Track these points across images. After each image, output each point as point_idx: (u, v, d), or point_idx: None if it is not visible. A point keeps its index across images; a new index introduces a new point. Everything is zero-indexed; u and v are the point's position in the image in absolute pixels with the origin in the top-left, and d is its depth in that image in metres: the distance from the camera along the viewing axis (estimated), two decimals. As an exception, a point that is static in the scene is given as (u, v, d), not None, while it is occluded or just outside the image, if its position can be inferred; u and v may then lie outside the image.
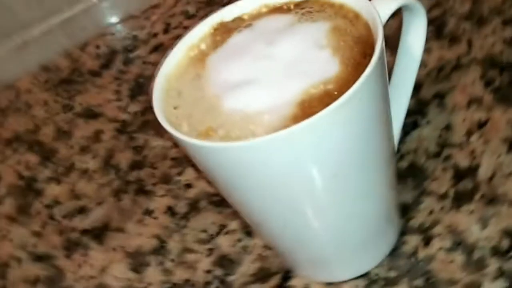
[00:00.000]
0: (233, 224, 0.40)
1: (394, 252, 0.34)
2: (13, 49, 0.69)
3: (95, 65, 0.65)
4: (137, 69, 0.61)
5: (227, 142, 0.26)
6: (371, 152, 0.29)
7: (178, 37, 0.33)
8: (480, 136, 0.38)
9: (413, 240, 0.34)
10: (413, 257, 0.34)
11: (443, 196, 0.36)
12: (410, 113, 0.41)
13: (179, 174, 0.46)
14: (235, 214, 0.39)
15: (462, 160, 0.37)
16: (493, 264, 0.31)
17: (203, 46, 0.32)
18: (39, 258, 0.44)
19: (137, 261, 0.41)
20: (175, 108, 0.29)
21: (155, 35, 0.65)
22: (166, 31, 0.65)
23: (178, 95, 0.30)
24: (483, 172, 0.36)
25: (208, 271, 0.38)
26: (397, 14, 0.32)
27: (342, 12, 0.30)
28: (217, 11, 0.35)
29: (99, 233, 0.44)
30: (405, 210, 0.36)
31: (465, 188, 0.36)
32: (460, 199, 0.35)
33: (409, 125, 0.41)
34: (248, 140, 0.25)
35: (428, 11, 0.50)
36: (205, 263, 0.38)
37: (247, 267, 0.37)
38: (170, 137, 0.28)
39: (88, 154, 0.53)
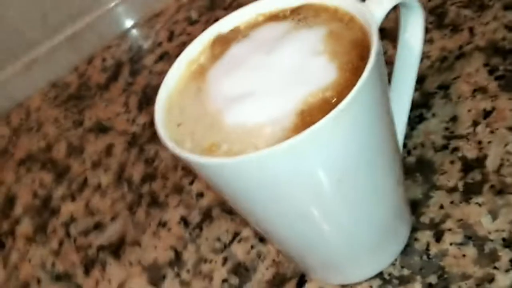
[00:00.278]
0: (246, 231, 0.40)
1: (406, 249, 0.34)
2: (21, 68, 0.70)
3: (102, 78, 0.66)
4: (144, 79, 0.62)
5: (230, 157, 0.26)
6: (375, 153, 0.29)
7: (183, 44, 0.34)
8: (486, 126, 0.38)
9: (424, 237, 0.34)
10: (425, 254, 0.34)
11: (452, 190, 0.36)
12: (415, 106, 0.42)
13: (191, 183, 0.46)
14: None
15: (469, 151, 0.37)
16: (505, 256, 0.31)
17: (202, 60, 0.33)
18: (59, 277, 0.45)
19: (154, 274, 0.41)
20: (178, 125, 0.29)
21: (159, 44, 0.66)
22: (170, 39, 0.66)
23: (181, 112, 0.30)
24: (491, 163, 0.36)
25: (224, 280, 0.38)
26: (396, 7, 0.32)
27: (337, 16, 0.30)
28: (214, 23, 0.35)
29: (115, 248, 0.45)
30: (415, 206, 0.36)
31: (474, 180, 0.36)
32: (469, 192, 0.35)
33: (415, 119, 0.41)
34: (250, 154, 0.25)
35: (428, 0, 0.50)
36: (221, 272, 0.39)
37: (262, 274, 0.37)
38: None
39: (100, 169, 0.54)
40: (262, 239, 0.39)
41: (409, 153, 0.39)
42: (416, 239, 0.35)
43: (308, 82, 0.28)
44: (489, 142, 0.37)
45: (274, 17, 0.33)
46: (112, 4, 0.68)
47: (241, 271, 0.38)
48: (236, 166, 0.26)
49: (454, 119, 0.40)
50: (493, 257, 0.32)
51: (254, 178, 0.26)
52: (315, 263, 0.34)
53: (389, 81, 0.36)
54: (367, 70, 0.25)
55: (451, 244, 0.33)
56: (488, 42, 0.43)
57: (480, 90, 0.40)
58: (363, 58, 0.27)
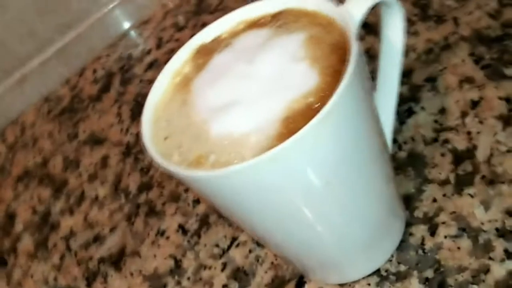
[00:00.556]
0: (243, 236, 0.40)
1: (402, 245, 0.35)
2: (13, 84, 0.70)
3: (94, 89, 0.66)
4: (135, 88, 0.62)
5: (216, 170, 0.26)
6: (362, 154, 0.29)
7: (171, 51, 0.34)
8: (474, 116, 0.38)
9: (419, 231, 0.35)
10: (421, 249, 0.34)
11: (444, 182, 0.36)
12: (404, 100, 0.42)
13: (186, 191, 0.47)
14: (244, 226, 0.40)
15: (459, 143, 0.38)
16: (499, 246, 0.32)
17: (186, 71, 0.33)
18: (61, 292, 0.45)
19: (156, 284, 0.42)
20: (165, 138, 0.30)
21: (149, 51, 0.66)
22: (159, 46, 0.66)
23: (168, 125, 0.30)
24: (481, 153, 0.36)
25: (225, 286, 0.39)
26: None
27: (317, 20, 0.31)
28: (201, 28, 0.35)
29: (116, 260, 0.45)
30: (408, 201, 0.36)
31: (465, 171, 0.36)
32: (461, 183, 0.35)
33: (404, 113, 0.41)
34: (235, 166, 0.25)
35: (412, -7, 0.50)
36: (220, 278, 0.39)
37: (262, 277, 0.38)
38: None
39: (97, 181, 0.54)
40: (259, 243, 0.40)
41: (400, 147, 0.40)
42: (411, 234, 0.35)
43: (290, 89, 0.28)
44: (478, 132, 0.37)
45: (255, 24, 0.33)
46: (100, 15, 0.68)
47: (241, 275, 0.39)
48: (223, 178, 0.26)
49: (442, 111, 0.40)
50: (487, 248, 0.32)
51: (242, 188, 0.27)
52: (312, 264, 0.35)
53: (375, 78, 0.36)
54: (347, 74, 0.26)
55: (445, 237, 0.34)
56: (473, 32, 0.43)
57: (467, 80, 0.41)
58: (344, 61, 0.28)
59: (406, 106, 0.42)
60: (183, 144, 0.29)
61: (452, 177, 0.36)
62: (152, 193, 0.49)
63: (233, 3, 0.63)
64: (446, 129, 0.39)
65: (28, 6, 0.64)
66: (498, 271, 0.31)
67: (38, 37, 0.67)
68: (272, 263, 0.38)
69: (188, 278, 0.41)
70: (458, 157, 0.37)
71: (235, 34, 0.33)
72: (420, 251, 0.34)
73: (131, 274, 0.43)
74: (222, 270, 0.40)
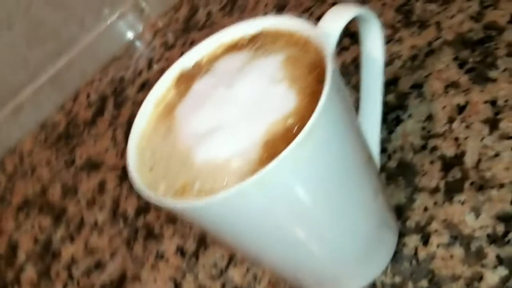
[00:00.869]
0: (240, 254, 0.41)
1: (396, 256, 0.35)
2: (9, 114, 0.70)
3: (88, 114, 0.67)
4: (128, 110, 0.62)
5: (199, 199, 0.26)
6: (346, 170, 0.30)
7: (162, 71, 0.34)
8: (461, 122, 0.38)
9: (412, 241, 0.35)
10: (415, 259, 0.34)
11: (434, 190, 0.36)
12: (391, 108, 0.42)
13: (182, 212, 0.47)
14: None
15: (447, 149, 0.38)
16: (491, 253, 0.32)
17: (169, 99, 0.33)
18: (65, 322, 0.46)
19: (156, 308, 0.42)
20: (151, 168, 0.30)
21: (140, 72, 0.67)
22: (149, 66, 0.66)
23: (153, 155, 0.31)
24: (470, 158, 0.36)
25: (224, 307, 0.39)
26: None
27: (293, 40, 0.31)
28: (190, 46, 0.35)
29: (117, 286, 0.45)
30: (400, 211, 0.36)
31: (454, 178, 0.36)
32: (451, 191, 0.36)
33: (392, 122, 0.41)
34: (217, 195, 0.25)
35: (394, -1, 0.50)
36: (219, 299, 0.39)
37: (259, 296, 0.38)
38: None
39: (95, 206, 0.54)
40: (256, 262, 0.40)
41: (389, 157, 0.40)
42: (404, 245, 0.35)
43: (270, 112, 0.28)
44: (466, 138, 0.37)
45: (234, 47, 0.33)
46: (89, 40, 0.68)
47: (239, 296, 0.39)
48: (207, 206, 0.26)
49: (430, 117, 0.40)
50: (480, 255, 0.32)
51: (227, 215, 0.27)
52: (308, 280, 0.35)
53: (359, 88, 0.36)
54: (324, 95, 0.26)
55: (438, 246, 0.34)
56: (456, 35, 0.43)
57: (452, 85, 0.41)
58: (321, 81, 0.28)
59: (394, 115, 0.42)
60: (169, 172, 0.29)
61: (442, 185, 0.36)
62: (150, 216, 0.49)
63: (220, 19, 0.63)
64: (434, 136, 0.39)
65: (18, 37, 0.64)
66: (491, 278, 0.31)
67: (30, 66, 0.67)
68: (269, 281, 0.38)
69: (188, 301, 0.41)
70: (447, 164, 0.37)
71: (214, 59, 0.33)
72: (414, 262, 0.34)
73: (133, 300, 0.44)
74: (221, 291, 0.40)
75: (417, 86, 0.43)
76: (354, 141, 0.30)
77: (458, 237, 0.33)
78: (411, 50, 0.45)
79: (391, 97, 0.43)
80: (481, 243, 0.32)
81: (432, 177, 0.37)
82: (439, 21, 0.45)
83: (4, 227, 0.61)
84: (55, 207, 0.58)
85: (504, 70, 0.39)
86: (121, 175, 0.55)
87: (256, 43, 0.32)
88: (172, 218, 0.47)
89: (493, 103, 0.38)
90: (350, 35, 0.48)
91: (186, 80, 0.33)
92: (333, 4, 0.54)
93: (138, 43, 0.70)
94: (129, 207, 0.51)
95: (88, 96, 0.69)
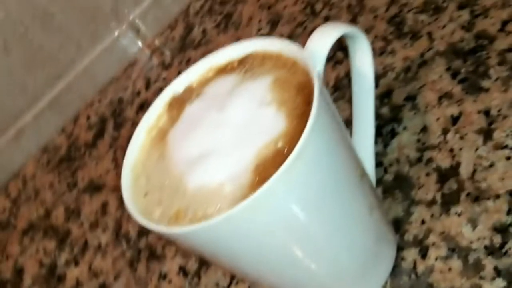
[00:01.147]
0: (239, 276, 0.41)
1: (395, 270, 0.35)
2: (11, 139, 0.71)
3: (89, 136, 0.67)
4: (128, 131, 0.63)
5: (192, 225, 0.26)
6: (339, 188, 0.30)
7: (160, 90, 0.35)
8: (455, 133, 0.38)
9: (410, 255, 0.35)
10: (413, 273, 0.34)
11: (431, 203, 0.36)
12: (386, 121, 0.42)
13: (183, 232, 0.47)
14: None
15: (443, 161, 0.38)
16: (489, 264, 0.32)
17: (161, 124, 0.33)
18: None
19: (160, 331, 0.42)
20: (145, 195, 0.30)
21: (138, 93, 0.67)
22: (147, 86, 0.67)
23: (147, 181, 0.31)
24: (465, 169, 0.36)
25: (226, 327, 0.39)
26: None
27: (281, 61, 0.31)
28: (187, 65, 0.35)
29: (121, 309, 0.46)
30: (398, 225, 0.36)
31: (451, 189, 0.36)
32: (447, 203, 0.36)
33: (387, 135, 0.41)
34: (209, 221, 0.25)
35: (386, 10, 0.51)
36: (222, 319, 0.39)
37: (261, 315, 0.38)
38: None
39: (98, 229, 0.55)
40: (256, 281, 0.40)
41: (385, 170, 0.40)
42: (403, 258, 0.35)
43: (260, 135, 0.28)
44: (460, 149, 0.37)
45: (223, 70, 0.33)
46: (87, 63, 0.69)
47: (241, 316, 0.39)
48: (198, 233, 0.26)
49: (424, 129, 0.40)
50: (478, 267, 0.32)
51: (220, 240, 0.27)
52: (308, 299, 0.35)
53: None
54: (312, 117, 0.26)
55: (436, 259, 0.34)
56: (447, 45, 0.44)
57: (445, 96, 0.41)
58: (309, 102, 0.28)
59: (389, 127, 0.42)
60: (163, 199, 0.29)
61: (438, 197, 0.36)
62: (152, 236, 0.49)
63: (215, 37, 0.64)
64: (429, 148, 0.39)
65: (16, 64, 0.65)
66: (490, 290, 0.31)
67: (29, 91, 0.68)
68: (270, 299, 0.38)
69: (192, 322, 0.41)
70: (443, 176, 0.37)
71: (205, 82, 0.34)
72: (413, 276, 0.34)
73: (137, 322, 0.44)
74: (224, 311, 0.40)
75: (411, 98, 0.43)
76: (346, 158, 0.30)
77: (455, 249, 0.33)
78: (404, 61, 0.45)
79: (385, 110, 0.43)
80: (478, 255, 0.32)
81: (428, 189, 0.37)
82: (430, 32, 0.46)
83: (10, 251, 0.62)
84: (59, 230, 0.58)
85: (496, 79, 0.39)
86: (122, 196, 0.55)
87: (245, 66, 0.32)
88: (173, 238, 0.48)
89: (486, 113, 0.38)
90: (343, 49, 0.48)
91: (178, 105, 0.33)
92: (326, 18, 0.55)
93: (135, 64, 0.71)
94: (131, 228, 0.52)
95: (88, 118, 0.69)
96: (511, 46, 0.40)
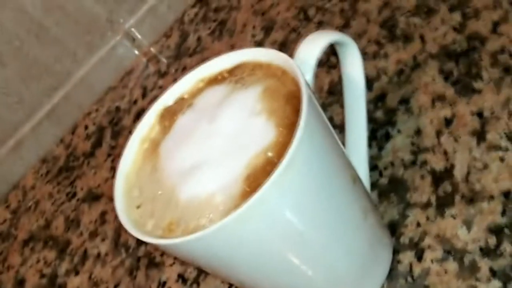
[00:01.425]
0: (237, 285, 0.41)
1: (391, 273, 0.35)
2: (10, 151, 0.71)
3: (87, 146, 0.67)
4: (125, 140, 0.63)
5: (184, 237, 0.26)
6: (332, 195, 0.30)
7: (156, 98, 0.35)
8: (449, 135, 0.38)
9: (406, 257, 0.35)
10: (410, 276, 0.34)
11: (426, 205, 0.36)
12: (380, 125, 0.42)
13: (182, 240, 0.47)
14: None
15: (437, 163, 0.38)
16: (485, 266, 0.32)
17: (153, 136, 0.34)
18: None
19: None
20: (138, 207, 0.30)
21: (135, 102, 0.67)
22: (144, 95, 0.67)
23: (140, 193, 0.31)
24: (459, 171, 0.36)
25: (226, 335, 0.39)
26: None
27: (271, 71, 0.31)
28: (183, 72, 0.36)
29: (121, 319, 0.46)
30: (394, 228, 0.37)
31: (445, 191, 0.36)
32: (442, 205, 0.36)
33: (382, 138, 0.41)
34: (199, 233, 0.26)
35: (378, 14, 0.51)
36: (221, 327, 0.40)
37: (259, 323, 0.38)
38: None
39: (97, 238, 0.55)
40: None
41: (380, 174, 0.40)
42: (399, 262, 0.35)
43: (251, 145, 0.28)
44: (455, 151, 0.38)
45: (214, 81, 0.33)
46: (83, 72, 0.69)
47: (240, 323, 0.39)
48: (192, 243, 0.26)
49: (418, 132, 0.40)
50: (473, 269, 0.32)
51: (214, 250, 0.27)
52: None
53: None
54: (300, 127, 0.26)
55: (432, 261, 0.34)
56: (440, 48, 0.44)
57: (438, 98, 0.41)
58: (298, 111, 0.28)
59: (383, 131, 0.42)
60: (155, 211, 0.30)
61: (433, 199, 0.36)
62: (150, 245, 0.49)
63: (210, 44, 0.64)
64: (423, 151, 0.39)
65: (13, 76, 0.65)
66: (485, 292, 0.31)
67: (27, 104, 0.68)
68: (269, 306, 0.38)
69: (191, 330, 0.41)
70: (437, 178, 0.37)
71: (196, 93, 0.34)
72: (409, 278, 0.34)
73: (137, 332, 0.44)
74: (222, 319, 0.40)
75: (405, 101, 0.43)
76: (338, 163, 0.30)
77: (451, 251, 0.33)
78: (397, 65, 0.45)
79: (379, 113, 0.43)
80: (474, 257, 0.32)
81: (423, 192, 0.37)
82: (423, 34, 0.46)
83: (11, 262, 0.62)
84: (59, 240, 0.58)
85: (489, 81, 0.39)
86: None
87: (236, 76, 0.33)
88: (172, 246, 0.48)
89: (479, 114, 0.38)
90: (337, 54, 0.48)
91: (170, 116, 0.34)
92: (319, 23, 0.55)
93: (131, 72, 0.71)
94: (130, 236, 0.52)
95: (86, 128, 0.69)
96: (503, 48, 0.40)
